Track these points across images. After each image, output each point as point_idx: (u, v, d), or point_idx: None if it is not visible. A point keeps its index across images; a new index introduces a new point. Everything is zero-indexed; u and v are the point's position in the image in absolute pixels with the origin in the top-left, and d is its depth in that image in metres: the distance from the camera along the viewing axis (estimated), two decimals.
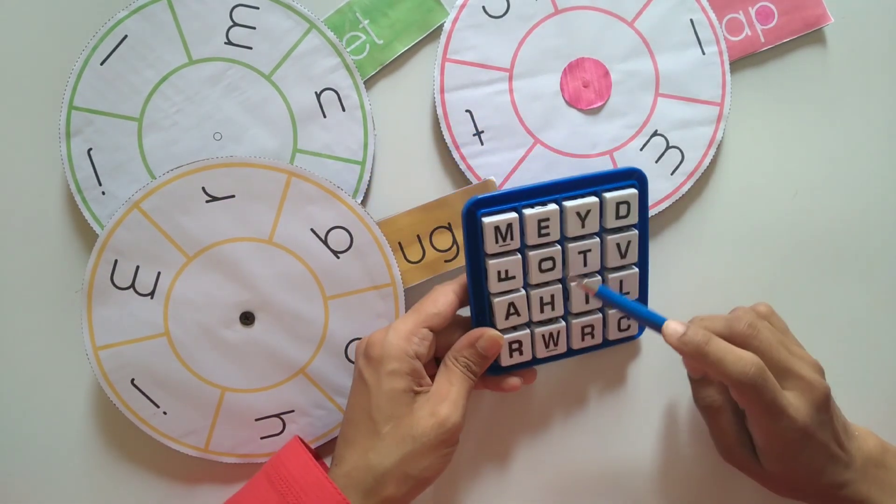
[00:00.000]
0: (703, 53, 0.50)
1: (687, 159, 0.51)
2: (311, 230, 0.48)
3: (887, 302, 0.53)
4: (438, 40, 0.50)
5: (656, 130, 0.51)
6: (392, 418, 0.42)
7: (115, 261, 0.47)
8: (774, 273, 0.53)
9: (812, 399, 0.42)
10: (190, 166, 0.47)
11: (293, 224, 0.48)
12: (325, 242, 0.49)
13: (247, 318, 0.49)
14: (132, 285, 0.48)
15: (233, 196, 0.48)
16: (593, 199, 0.45)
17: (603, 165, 0.50)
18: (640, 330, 0.51)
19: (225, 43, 0.48)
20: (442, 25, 0.50)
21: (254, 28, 0.48)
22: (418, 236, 0.50)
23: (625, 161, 0.50)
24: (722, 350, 0.41)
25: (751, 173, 0.52)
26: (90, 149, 0.48)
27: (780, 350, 0.43)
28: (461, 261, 0.50)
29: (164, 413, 0.49)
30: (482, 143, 0.50)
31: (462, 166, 0.50)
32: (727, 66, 0.51)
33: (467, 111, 0.50)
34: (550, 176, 0.50)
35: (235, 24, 0.48)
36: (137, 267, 0.48)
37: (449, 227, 0.50)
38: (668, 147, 0.51)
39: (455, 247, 0.50)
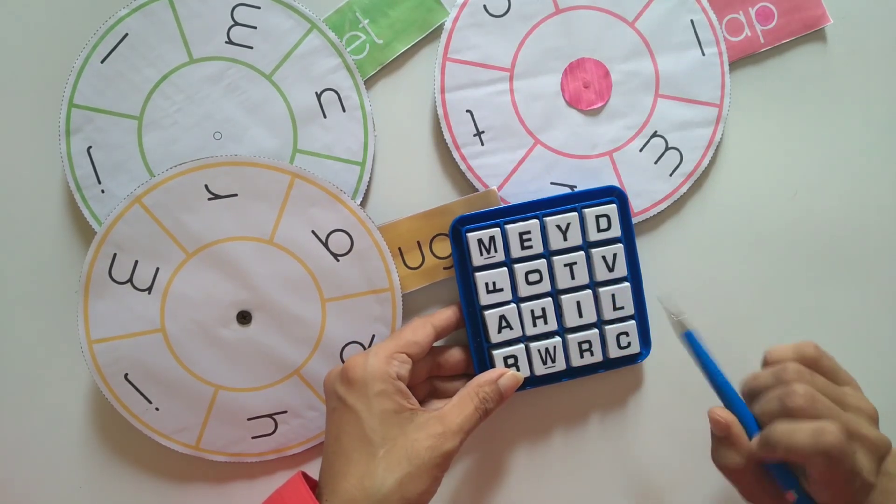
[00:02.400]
0: (703, 54, 0.50)
1: (686, 160, 0.51)
2: (313, 232, 0.48)
3: (887, 302, 0.53)
4: (439, 40, 0.50)
5: (656, 131, 0.51)
6: (387, 440, 0.41)
7: (114, 255, 0.47)
8: (774, 273, 0.52)
9: (878, 457, 0.40)
10: (193, 163, 0.47)
11: (294, 225, 0.48)
12: (325, 245, 0.49)
13: (244, 318, 0.49)
14: (130, 280, 0.48)
15: (235, 195, 0.48)
16: (573, 213, 0.47)
17: (603, 166, 0.50)
18: (644, 351, 0.50)
19: (226, 42, 0.48)
20: (442, 25, 0.50)
21: (255, 28, 0.48)
22: (418, 242, 0.50)
23: (624, 162, 0.50)
24: (801, 430, 0.39)
25: (750, 174, 0.52)
26: (90, 147, 0.48)
27: (840, 414, 0.40)
28: None
29: (157, 409, 0.49)
30: (482, 144, 0.50)
31: (462, 167, 0.50)
32: (727, 67, 0.51)
33: (468, 111, 0.50)
34: (550, 177, 0.50)
35: (236, 24, 0.48)
36: (136, 262, 0.47)
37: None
38: (667, 148, 0.51)
39: None
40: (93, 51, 0.47)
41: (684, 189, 0.51)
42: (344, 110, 0.49)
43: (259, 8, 0.48)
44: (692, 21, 0.50)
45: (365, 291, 0.49)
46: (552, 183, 0.50)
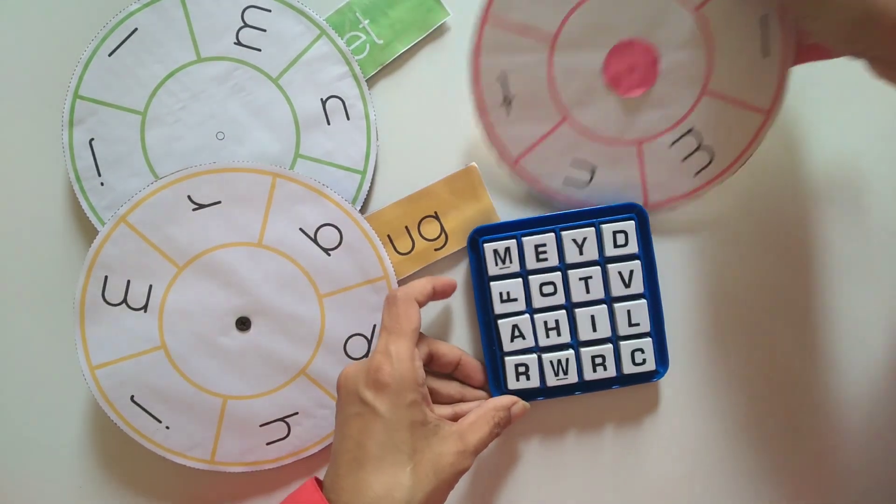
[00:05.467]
0: (765, 56, 0.43)
1: (715, 163, 0.46)
2: (300, 229, 0.47)
3: (887, 302, 0.50)
4: (439, 40, 0.49)
5: (692, 128, 0.45)
6: (416, 452, 0.41)
7: (105, 277, 0.47)
8: (776, 273, 0.50)
9: None
10: (172, 176, 0.47)
11: (282, 225, 0.47)
12: (314, 241, 0.47)
13: (243, 324, 0.48)
14: (124, 300, 0.47)
15: (219, 202, 0.47)
16: (590, 228, 0.47)
17: (627, 155, 0.46)
18: (661, 369, 0.48)
19: (234, 43, 0.48)
20: (442, 25, 0.48)
21: (264, 30, 0.48)
22: (406, 227, 0.49)
23: (651, 153, 0.46)
24: None
25: (755, 173, 0.49)
26: (92, 139, 0.49)
27: None
28: (451, 248, 0.49)
29: (167, 428, 0.48)
30: (508, 114, 0.46)
31: (484, 133, 0.47)
32: (788, 73, 0.44)
33: (499, 77, 0.46)
34: (572, 155, 0.47)
35: (246, 26, 0.49)
36: (128, 281, 0.47)
37: (436, 216, 0.49)
38: (699, 147, 0.45)
39: (443, 235, 0.49)
40: (101, 43, 0.49)
41: (706, 192, 0.47)
42: (348, 118, 0.49)
43: (270, 11, 0.48)
44: (764, 17, 0.43)
45: (360, 282, 0.48)
46: (571, 163, 0.47)
